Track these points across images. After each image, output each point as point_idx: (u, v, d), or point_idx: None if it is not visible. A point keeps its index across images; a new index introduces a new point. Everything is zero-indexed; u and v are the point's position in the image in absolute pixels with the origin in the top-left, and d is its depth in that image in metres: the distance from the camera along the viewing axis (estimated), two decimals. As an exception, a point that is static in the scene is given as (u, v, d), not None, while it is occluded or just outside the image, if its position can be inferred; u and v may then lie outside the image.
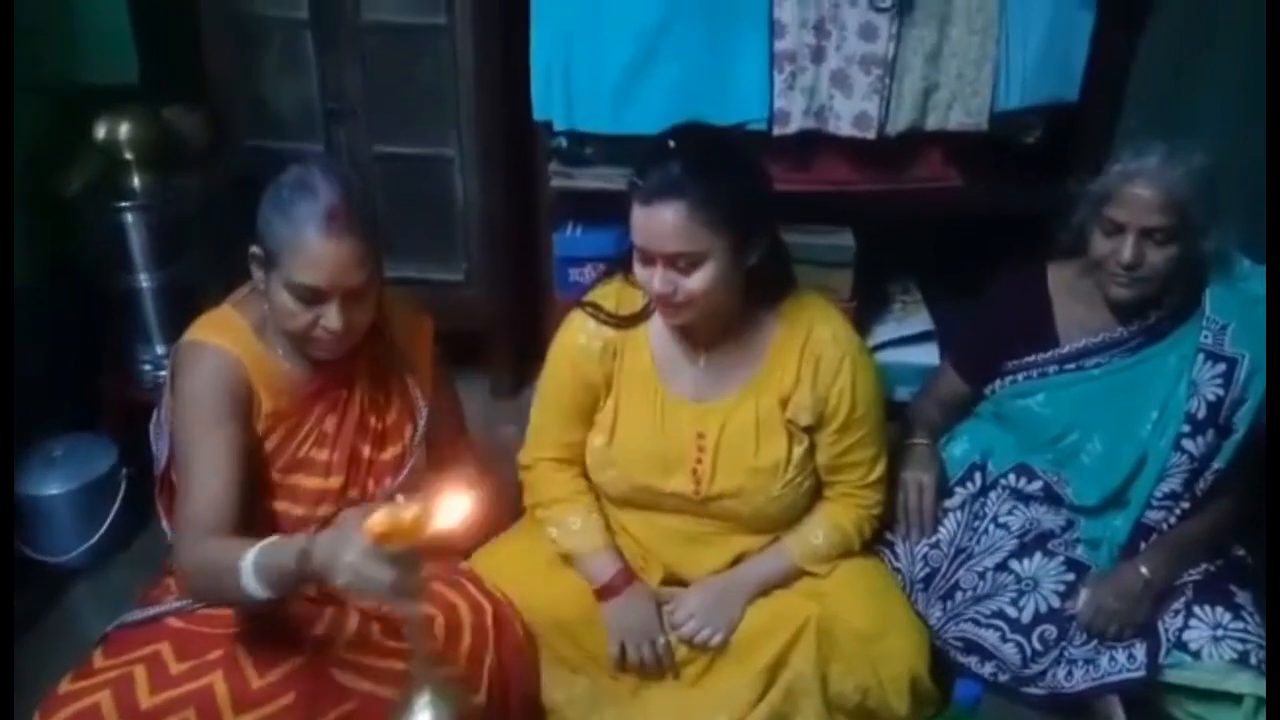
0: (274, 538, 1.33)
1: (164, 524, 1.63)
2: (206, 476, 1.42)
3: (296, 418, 1.53)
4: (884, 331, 2.34)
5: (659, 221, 1.44)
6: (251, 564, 1.28)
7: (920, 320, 2.39)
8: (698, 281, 1.48)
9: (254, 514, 1.48)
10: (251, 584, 1.28)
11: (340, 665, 1.47)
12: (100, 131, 2.03)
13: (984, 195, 2.24)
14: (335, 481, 1.54)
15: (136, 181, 2.07)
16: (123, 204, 2.04)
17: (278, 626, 1.52)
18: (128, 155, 2.05)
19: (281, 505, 1.52)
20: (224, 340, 1.49)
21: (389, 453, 1.60)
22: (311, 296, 1.41)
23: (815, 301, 1.67)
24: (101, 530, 2.03)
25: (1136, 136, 1.71)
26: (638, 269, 1.53)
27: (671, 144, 1.48)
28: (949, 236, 2.46)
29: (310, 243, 1.38)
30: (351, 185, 1.44)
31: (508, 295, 2.48)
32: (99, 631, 1.54)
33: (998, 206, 2.24)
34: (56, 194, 2.06)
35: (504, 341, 2.53)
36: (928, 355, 2.26)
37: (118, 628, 1.54)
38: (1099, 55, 2.08)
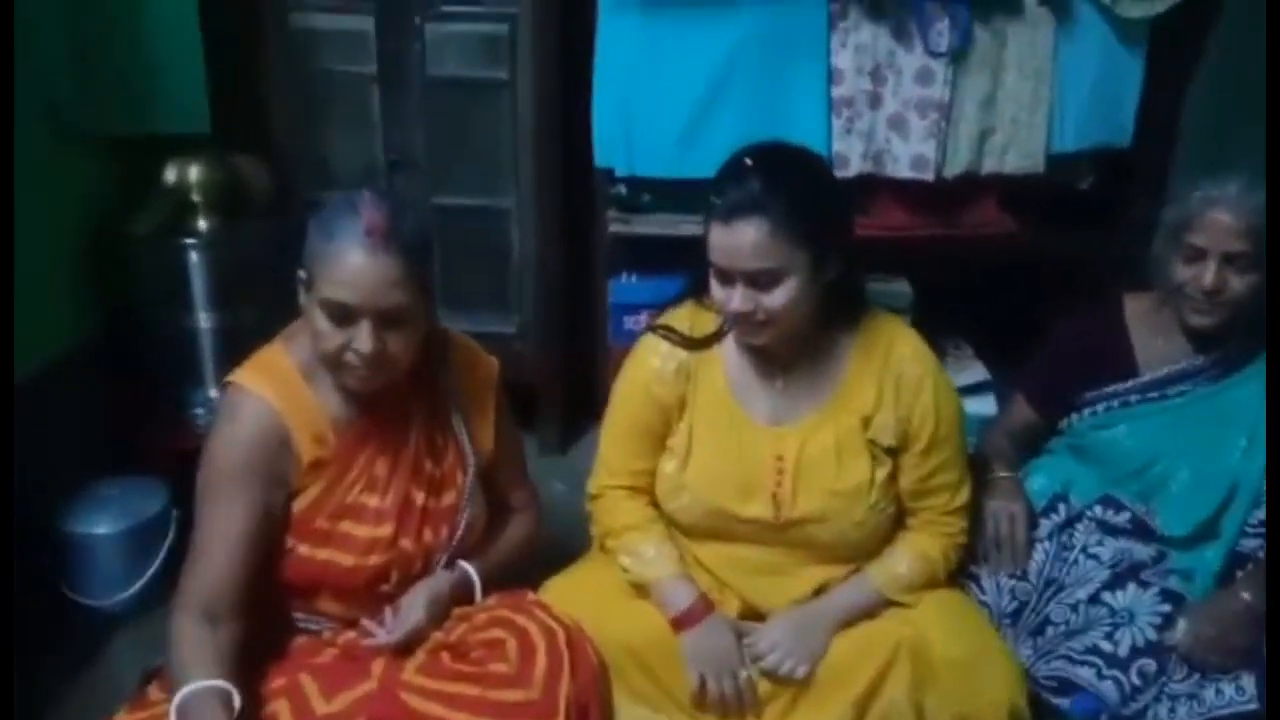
0: (207, 689, 1.28)
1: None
2: (215, 547, 1.38)
3: (344, 462, 1.48)
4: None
5: (740, 239, 1.44)
6: (176, 702, 1.27)
7: (974, 372, 2.37)
8: (778, 299, 1.47)
9: (274, 573, 1.45)
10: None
11: (410, 690, 1.39)
12: (170, 175, 2.07)
13: (1038, 241, 2.26)
14: (386, 530, 1.49)
15: (202, 223, 2.10)
16: (188, 241, 2.06)
17: (345, 654, 1.46)
18: (195, 198, 2.09)
19: (328, 554, 1.46)
20: (266, 388, 1.44)
21: (445, 500, 1.55)
22: (342, 314, 1.36)
23: (890, 320, 1.65)
24: (149, 573, 1.96)
25: (1189, 180, 1.71)
26: (715, 290, 1.52)
27: (749, 162, 1.49)
28: (998, 295, 2.47)
29: (344, 256, 1.34)
30: (402, 210, 1.40)
31: (560, 349, 2.47)
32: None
33: (1051, 252, 2.26)
34: (124, 235, 2.08)
35: (555, 396, 2.51)
36: (983, 406, 2.24)
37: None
38: (1150, 100, 2.12)
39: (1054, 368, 1.84)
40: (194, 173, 2.08)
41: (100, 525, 1.94)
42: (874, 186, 2.16)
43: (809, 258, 1.47)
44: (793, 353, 1.59)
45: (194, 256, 2.07)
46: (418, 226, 1.42)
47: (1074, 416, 1.81)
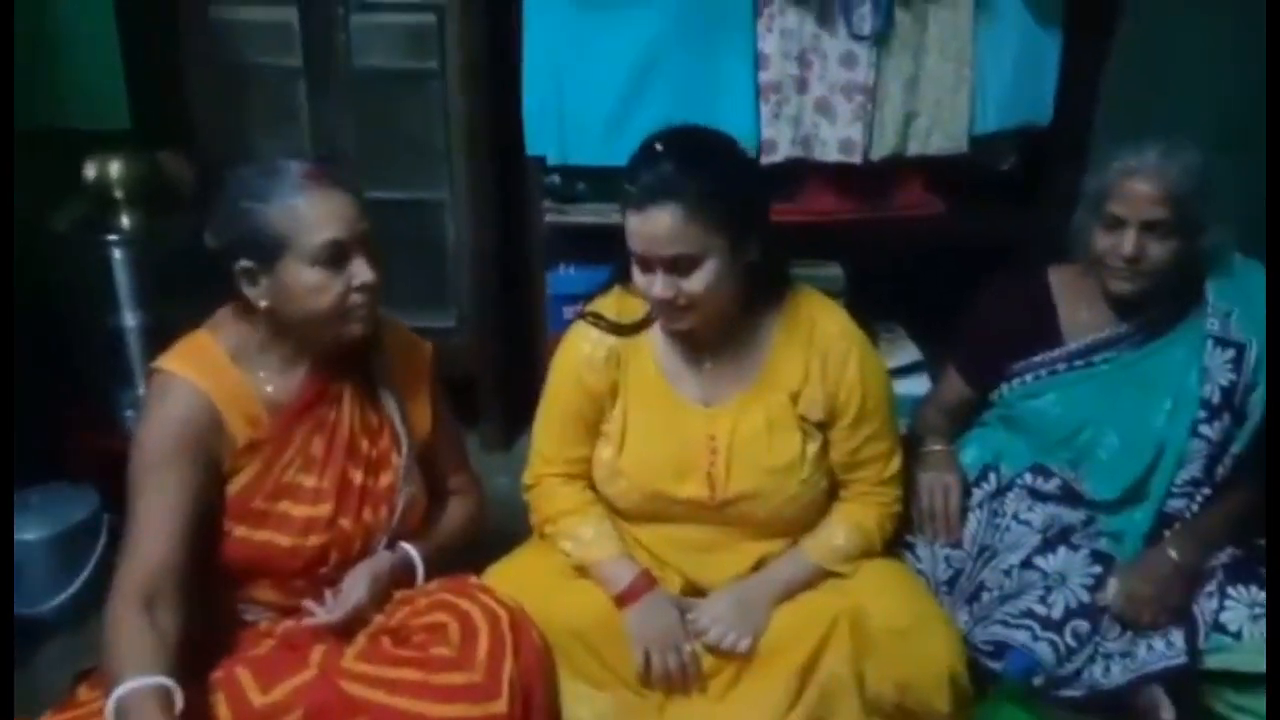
0: (147, 687, 1.22)
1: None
2: (151, 532, 1.35)
3: (279, 442, 1.47)
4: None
5: (655, 225, 1.43)
6: (114, 701, 1.22)
7: (907, 353, 2.41)
8: (698, 282, 1.46)
9: (212, 560, 1.42)
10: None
11: (350, 678, 1.37)
12: (90, 171, 2.03)
13: (964, 222, 2.29)
14: (324, 509, 1.48)
15: (125, 220, 2.06)
16: (111, 238, 2.01)
17: (283, 644, 1.44)
18: (117, 194, 2.04)
19: (267, 535, 1.45)
20: (193, 371, 1.43)
21: (383, 481, 1.54)
22: (336, 254, 1.39)
23: (814, 296, 1.65)
24: (81, 579, 1.91)
25: (1108, 152, 1.75)
26: (637, 277, 1.51)
27: (659, 147, 1.47)
28: (929, 276, 2.51)
29: (312, 203, 1.38)
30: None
31: (499, 342, 2.45)
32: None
33: (978, 232, 2.30)
34: (43, 232, 2.02)
35: (496, 391, 2.49)
36: (917, 386, 2.26)
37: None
38: (1068, 78, 2.17)
39: (982, 340, 1.87)
40: (115, 169, 2.03)
41: (28, 532, 1.89)
42: (802, 172, 2.18)
43: (727, 240, 1.46)
44: (719, 335, 1.59)
45: (118, 253, 2.02)
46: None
47: (1004, 387, 1.84)
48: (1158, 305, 1.74)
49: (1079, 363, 1.78)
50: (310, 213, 1.37)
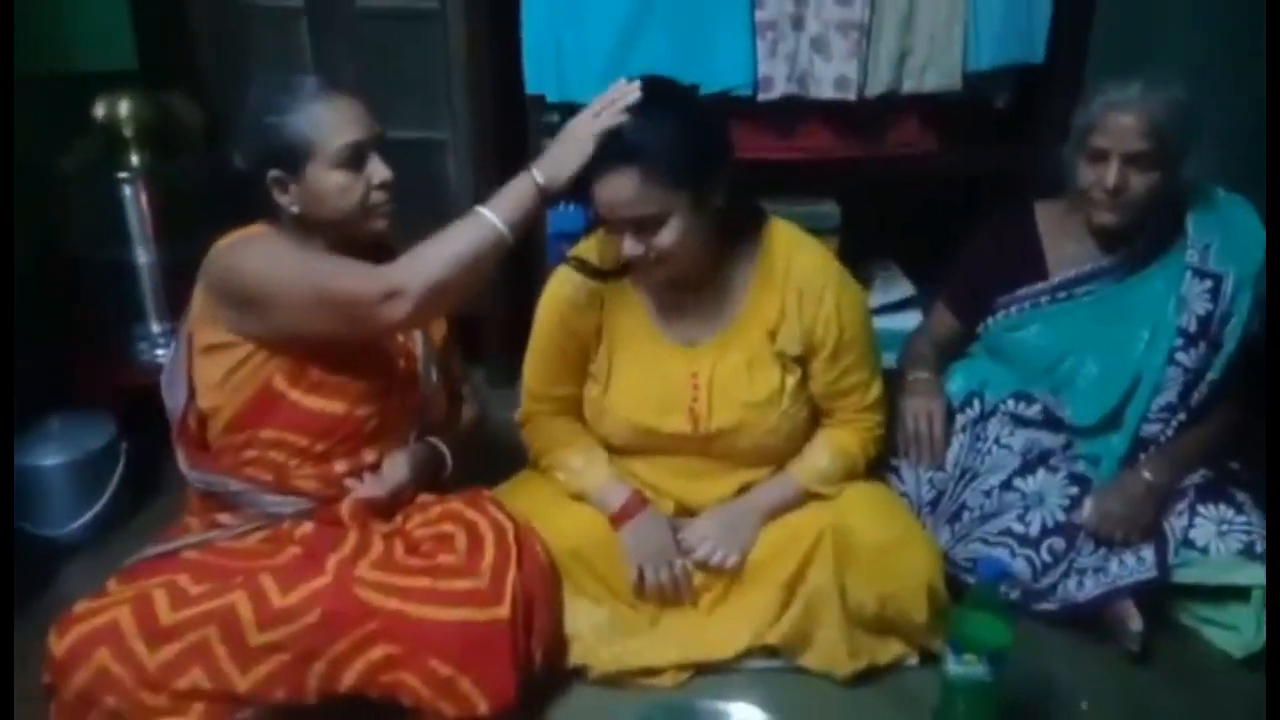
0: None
1: (182, 466, 1.63)
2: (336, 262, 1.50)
3: None
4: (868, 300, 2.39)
5: (614, 190, 1.46)
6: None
7: (901, 288, 2.45)
8: (666, 239, 1.49)
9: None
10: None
11: (364, 585, 1.45)
12: (99, 110, 2.07)
13: (958, 159, 2.33)
14: (373, 384, 1.60)
15: (135, 159, 2.10)
16: (121, 175, 2.06)
17: (305, 552, 1.52)
18: (126, 133, 2.09)
19: (319, 403, 1.57)
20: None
21: (413, 369, 1.68)
22: (355, 156, 1.50)
23: (789, 232, 1.67)
24: (100, 503, 1.98)
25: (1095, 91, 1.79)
26: (608, 236, 1.56)
27: None
28: (924, 213, 2.55)
29: (331, 108, 1.50)
30: None
31: (503, 279, 2.49)
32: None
33: (972, 169, 2.34)
34: (53, 172, 2.07)
35: (500, 327, 2.54)
36: (911, 321, 2.29)
37: (133, 563, 1.54)
38: (1061, 16, 2.19)
39: (971, 274, 1.92)
40: (124, 108, 2.08)
41: (48, 458, 1.96)
42: (798, 110, 2.21)
43: (688, 194, 1.47)
44: (696, 277, 1.62)
45: (128, 191, 2.07)
46: None
47: (990, 319, 1.90)
48: (1140, 238, 1.78)
49: (1062, 295, 1.83)
50: (330, 118, 1.49)
